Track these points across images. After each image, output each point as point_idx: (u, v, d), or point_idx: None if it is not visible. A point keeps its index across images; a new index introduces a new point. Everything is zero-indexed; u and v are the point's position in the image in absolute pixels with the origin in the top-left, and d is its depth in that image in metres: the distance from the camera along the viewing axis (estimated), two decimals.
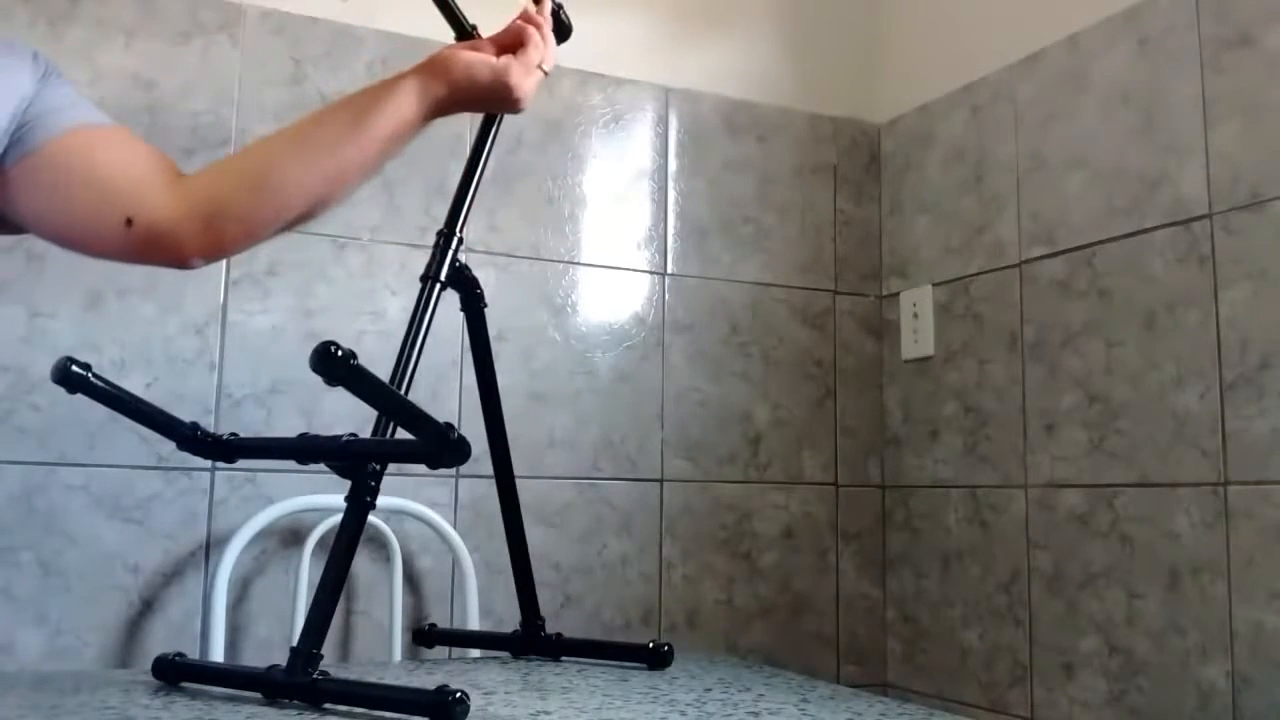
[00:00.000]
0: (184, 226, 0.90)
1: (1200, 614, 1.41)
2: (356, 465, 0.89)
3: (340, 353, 0.74)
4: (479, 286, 1.14)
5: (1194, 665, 1.41)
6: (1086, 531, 1.58)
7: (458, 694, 0.77)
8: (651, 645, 1.07)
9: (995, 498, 1.74)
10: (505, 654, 1.20)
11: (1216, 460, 1.40)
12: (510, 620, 1.67)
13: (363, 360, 0.77)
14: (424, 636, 1.44)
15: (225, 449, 1.03)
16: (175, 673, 0.94)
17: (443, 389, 1.67)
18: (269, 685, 0.86)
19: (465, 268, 1.11)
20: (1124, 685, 1.50)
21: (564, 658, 1.14)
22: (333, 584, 0.87)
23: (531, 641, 1.18)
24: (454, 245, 1.06)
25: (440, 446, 0.77)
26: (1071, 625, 1.59)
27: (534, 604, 1.19)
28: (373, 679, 0.90)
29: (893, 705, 0.87)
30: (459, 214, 1.07)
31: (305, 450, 0.99)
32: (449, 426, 0.77)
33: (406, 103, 0.94)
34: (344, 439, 0.89)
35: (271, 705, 0.84)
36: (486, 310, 1.17)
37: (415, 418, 0.78)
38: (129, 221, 0.89)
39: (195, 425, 1.04)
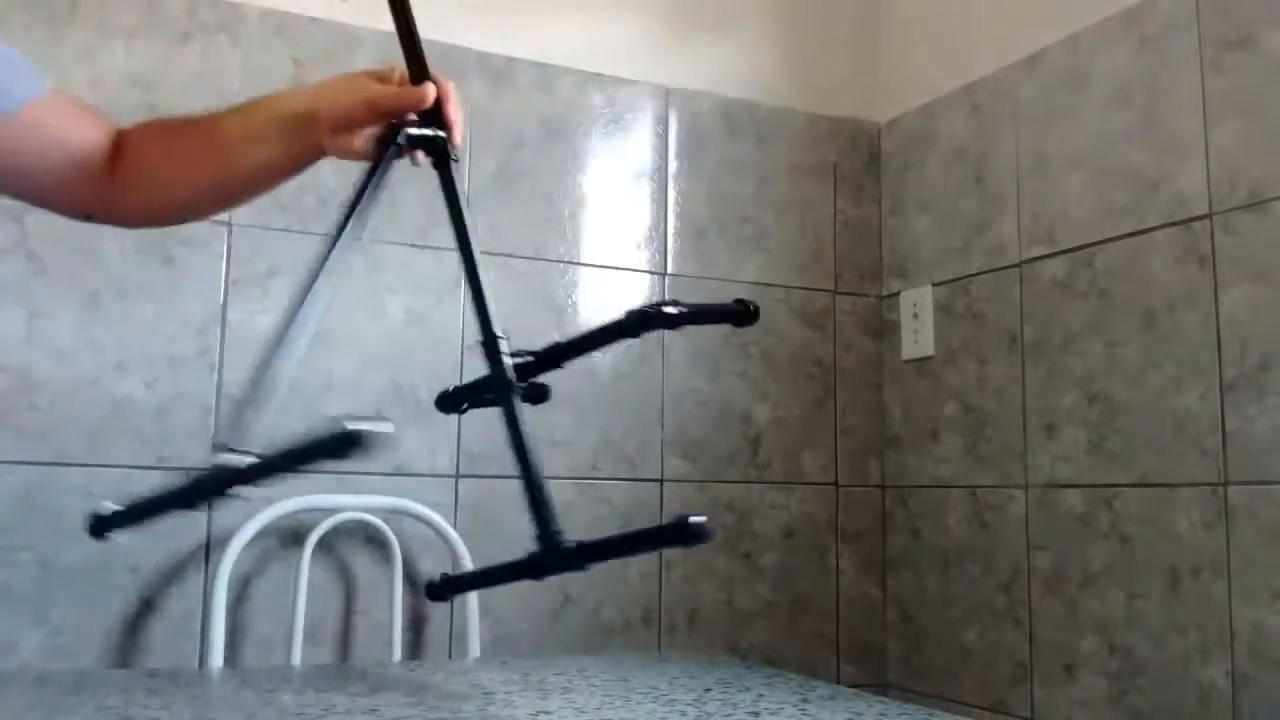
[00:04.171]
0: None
1: (1200, 614, 1.41)
2: None
3: None
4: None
5: (1194, 665, 1.41)
6: (1086, 531, 1.58)
7: (695, 517, 0.75)
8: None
9: (995, 498, 1.74)
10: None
11: (1216, 460, 1.40)
12: (511, 620, 1.67)
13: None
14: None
15: None
16: (449, 588, 0.96)
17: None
18: (537, 567, 0.85)
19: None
20: (1124, 685, 1.50)
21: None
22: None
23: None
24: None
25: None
26: (1071, 625, 1.59)
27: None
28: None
29: (893, 705, 0.87)
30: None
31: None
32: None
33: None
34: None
35: (273, 706, 0.84)
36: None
37: None
38: (89, 216, 0.98)
39: None
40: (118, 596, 1.47)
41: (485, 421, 1.72)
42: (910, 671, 1.90)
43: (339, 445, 0.67)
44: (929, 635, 1.86)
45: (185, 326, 1.54)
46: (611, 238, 1.84)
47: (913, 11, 2.05)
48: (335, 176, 1.64)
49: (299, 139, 0.93)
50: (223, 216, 1.57)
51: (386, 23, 1.74)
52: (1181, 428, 1.45)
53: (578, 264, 1.81)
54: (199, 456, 1.53)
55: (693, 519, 0.75)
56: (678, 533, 0.77)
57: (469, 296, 1.01)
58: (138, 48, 1.56)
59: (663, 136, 1.91)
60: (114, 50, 1.55)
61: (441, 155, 0.93)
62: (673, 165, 1.91)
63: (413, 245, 1.67)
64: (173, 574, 1.50)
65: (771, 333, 1.94)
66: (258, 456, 0.75)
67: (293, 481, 1.55)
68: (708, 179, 1.93)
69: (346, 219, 0.86)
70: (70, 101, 0.97)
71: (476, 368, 1.74)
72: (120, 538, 0.78)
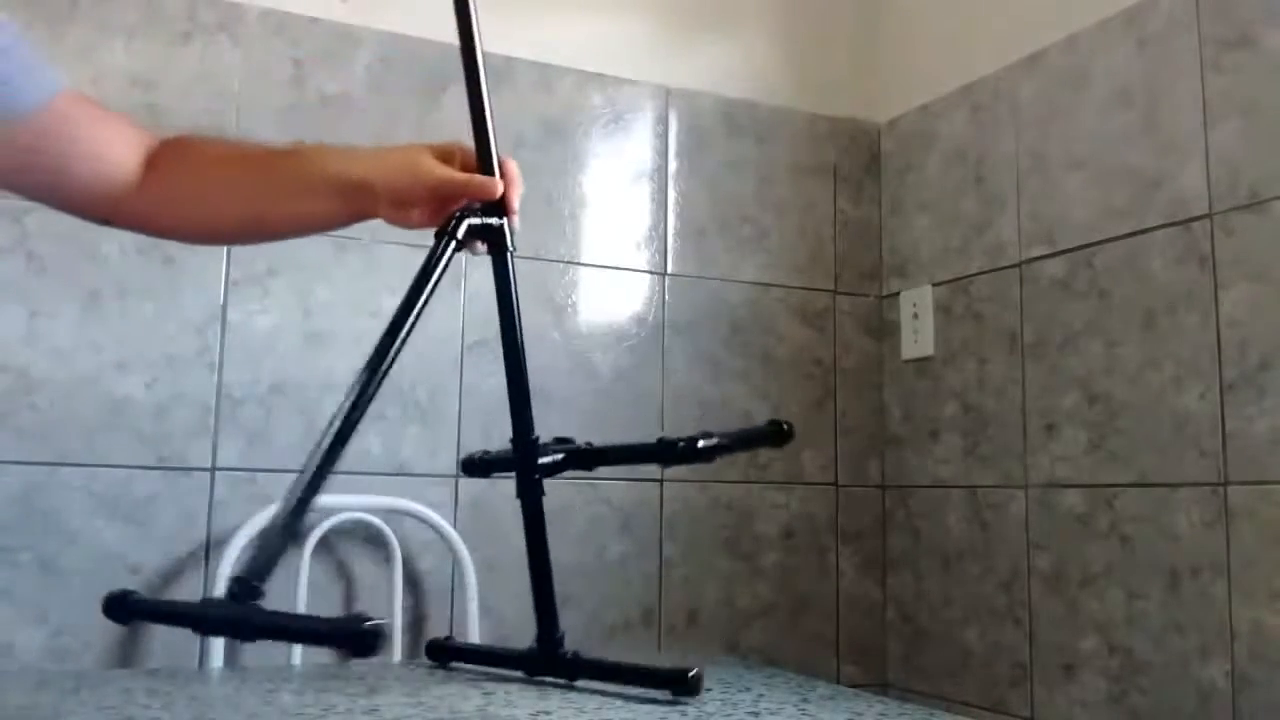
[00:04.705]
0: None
1: (1200, 614, 1.41)
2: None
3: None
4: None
5: (1194, 665, 1.41)
6: (1086, 531, 1.58)
7: (695, 671, 0.82)
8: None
9: (995, 498, 1.74)
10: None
11: (1216, 460, 1.40)
12: (511, 620, 1.67)
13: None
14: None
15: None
16: (446, 654, 1.03)
17: (443, 389, 1.67)
18: (532, 665, 0.92)
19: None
20: (1124, 685, 1.50)
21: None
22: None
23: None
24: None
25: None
26: (1071, 625, 1.59)
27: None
28: (614, 659, 0.92)
29: (893, 705, 0.87)
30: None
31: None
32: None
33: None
34: None
35: (273, 706, 0.84)
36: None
37: None
38: (108, 221, 0.96)
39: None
40: None
41: (485, 422, 1.72)
42: (910, 671, 1.90)
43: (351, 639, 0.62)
44: (929, 635, 1.86)
45: (185, 326, 1.54)
46: (611, 238, 1.84)
47: (913, 12, 2.05)
48: None
49: (352, 204, 0.92)
50: None
51: (386, 23, 1.75)
52: (1181, 428, 1.45)
53: (578, 264, 1.81)
54: (199, 456, 1.53)
55: (690, 673, 0.82)
56: (667, 683, 0.83)
57: (506, 371, 1.00)
58: (138, 47, 1.56)
59: (663, 136, 1.91)
60: (114, 50, 1.55)
61: (499, 243, 0.92)
62: (673, 165, 1.91)
63: (412, 245, 1.67)
64: (173, 574, 1.50)
65: (771, 333, 1.94)
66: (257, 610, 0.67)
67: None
68: (708, 179, 1.93)
69: (407, 311, 0.83)
70: (91, 105, 0.95)
71: (476, 366, 1.75)
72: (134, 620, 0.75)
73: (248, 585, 0.67)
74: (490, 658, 1.01)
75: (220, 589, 1.45)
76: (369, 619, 0.61)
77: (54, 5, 1.52)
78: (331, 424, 0.76)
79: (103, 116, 0.95)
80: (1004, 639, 1.71)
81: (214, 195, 0.95)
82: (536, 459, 0.94)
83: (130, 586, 1.53)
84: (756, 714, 0.80)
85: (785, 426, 0.93)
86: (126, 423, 1.50)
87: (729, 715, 0.79)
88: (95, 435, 1.48)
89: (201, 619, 0.71)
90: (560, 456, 0.94)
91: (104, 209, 0.95)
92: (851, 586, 1.94)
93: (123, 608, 0.73)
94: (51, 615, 1.44)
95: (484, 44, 0.95)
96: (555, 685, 0.92)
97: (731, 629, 1.84)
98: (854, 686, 1.47)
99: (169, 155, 0.95)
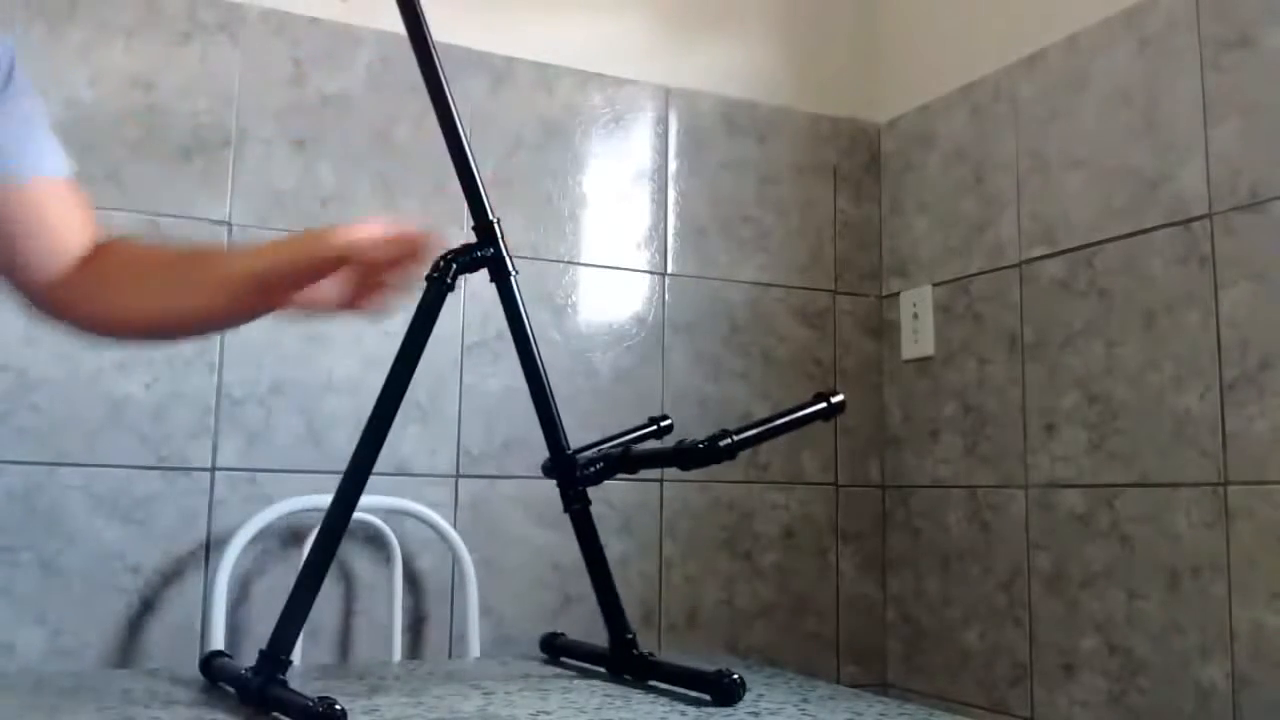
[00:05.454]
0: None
1: (1200, 614, 1.41)
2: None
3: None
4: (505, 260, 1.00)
5: (1194, 665, 1.41)
6: (1086, 531, 1.58)
7: (735, 676, 0.83)
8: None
9: (995, 498, 1.74)
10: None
11: (1216, 460, 1.40)
12: (510, 620, 1.67)
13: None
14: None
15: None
16: (555, 650, 1.07)
17: (443, 390, 1.67)
18: (611, 663, 0.96)
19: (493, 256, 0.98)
20: (1124, 685, 1.50)
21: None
22: None
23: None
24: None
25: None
26: (1071, 625, 1.59)
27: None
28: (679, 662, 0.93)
29: (893, 705, 0.87)
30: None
31: None
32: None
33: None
34: None
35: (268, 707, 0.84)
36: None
37: None
38: (40, 306, 0.98)
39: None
40: (118, 596, 1.47)
41: (485, 422, 1.72)
42: (910, 671, 1.90)
43: None
44: (929, 635, 1.86)
45: None
46: (611, 238, 1.84)
47: (913, 11, 2.05)
48: (335, 177, 1.64)
49: (246, 298, 0.93)
50: (222, 215, 1.58)
51: (386, 23, 1.74)
52: (1181, 428, 1.45)
53: (577, 264, 1.80)
54: (199, 457, 1.53)
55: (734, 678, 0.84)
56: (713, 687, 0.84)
57: (530, 393, 1.06)
58: (137, 47, 1.56)
59: (663, 136, 1.91)
60: (114, 50, 1.55)
61: (499, 270, 0.96)
62: (673, 165, 1.91)
63: None
64: (173, 574, 1.50)
65: (771, 333, 1.94)
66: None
67: (292, 481, 1.55)
68: (708, 179, 1.93)
69: (407, 363, 0.88)
70: (66, 197, 0.97)
71: (475, 366, 1.75)
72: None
73: (275, 660, 0.78)
74: (585, 655, 1.05)
75: (219, 589, 1.46)
76: (332, 705, 0.72)
77: (54, 5, 1.52)
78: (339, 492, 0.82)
79: (66, 213, 0.97)
80: (1004, 639, 1.71)
81: (122, 292, 0.97)
82: (575, 473, 0.97)
83: (130, 586, 1.53)
84: (756, 714, 0.80)
85: (833, 399, 0.87)
86: (126, 423, 1.50)
87: (729, 715, 0.80)
88: (95, 435, 1.48)
89: (244, 689, 0.82)
90: (599, 467, 0.95)
91: (36, 295, 0.97)
92: (851, 586, 1.94)
93: (208, 670, 0.91)
94: (51, 615, 1.44)
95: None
96: (558, 684, 0.92)
97: (731, 629, 1.84)
98: (854, 686, 1.47)
99: (97, 255, 0.98)
